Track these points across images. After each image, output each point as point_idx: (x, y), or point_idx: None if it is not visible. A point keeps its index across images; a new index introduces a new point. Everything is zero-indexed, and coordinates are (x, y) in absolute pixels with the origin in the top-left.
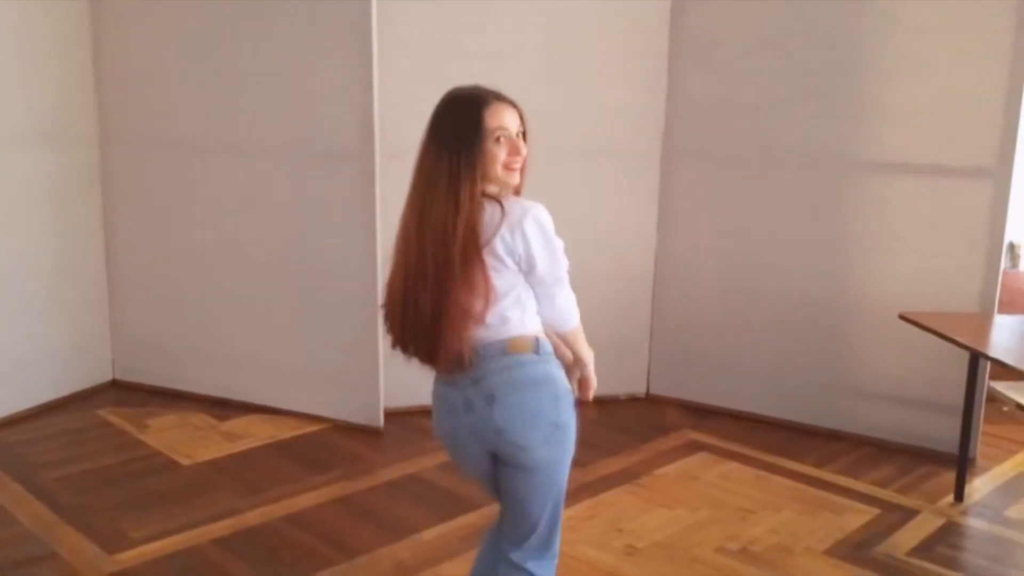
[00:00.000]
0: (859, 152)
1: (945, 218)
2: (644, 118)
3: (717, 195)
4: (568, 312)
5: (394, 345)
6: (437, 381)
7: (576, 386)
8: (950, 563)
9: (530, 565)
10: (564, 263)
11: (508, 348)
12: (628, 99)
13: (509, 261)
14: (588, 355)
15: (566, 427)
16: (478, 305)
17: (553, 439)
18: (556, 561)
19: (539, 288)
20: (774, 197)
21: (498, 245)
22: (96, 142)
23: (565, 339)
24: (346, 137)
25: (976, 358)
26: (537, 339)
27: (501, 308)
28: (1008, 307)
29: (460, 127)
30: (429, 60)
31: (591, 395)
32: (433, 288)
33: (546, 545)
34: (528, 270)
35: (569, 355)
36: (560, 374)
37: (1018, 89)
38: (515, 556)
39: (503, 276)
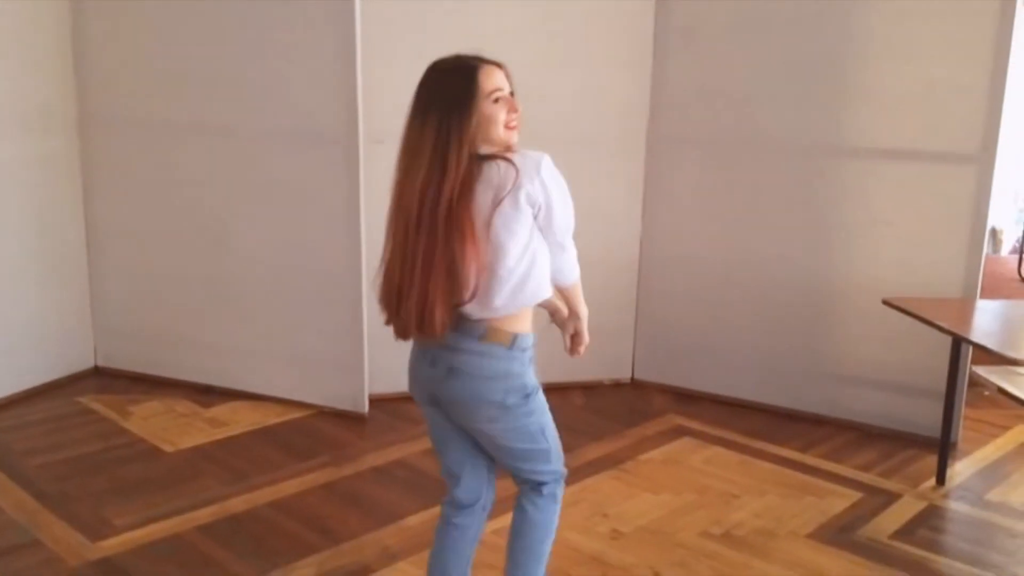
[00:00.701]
0: (842, 138)
1: (928, 204)
2: (629, 104)
3: (702, 181)
4: (574, 263)
5: (387, 322)
6: (414, 344)
7: (568, 340)
8: (932, 546)
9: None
10: (572, 211)
11: (486, 334)
12: (613, 85)
13: (528, 212)
14: (584, 311)
15: (514, 407)
16: (466, 274)
17: (499, 417)
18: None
19: (553, 237)
20: (758, 183)
21: (521, 197)
22: (76, 127)
23: (566, 293)
24: (330, 120)
25: (959, 343)
26: (516, 335)
27: (501, 280)
28: (990, 292)
29: (453, 92)
30: (412, 43)
31: (583, 350)
32: (421, 258)
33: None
34: (546, 221)
35: (564, 309)
36: (522, 370)
37: (1001, 75)
38: (528, 484)
39: (516, 236)
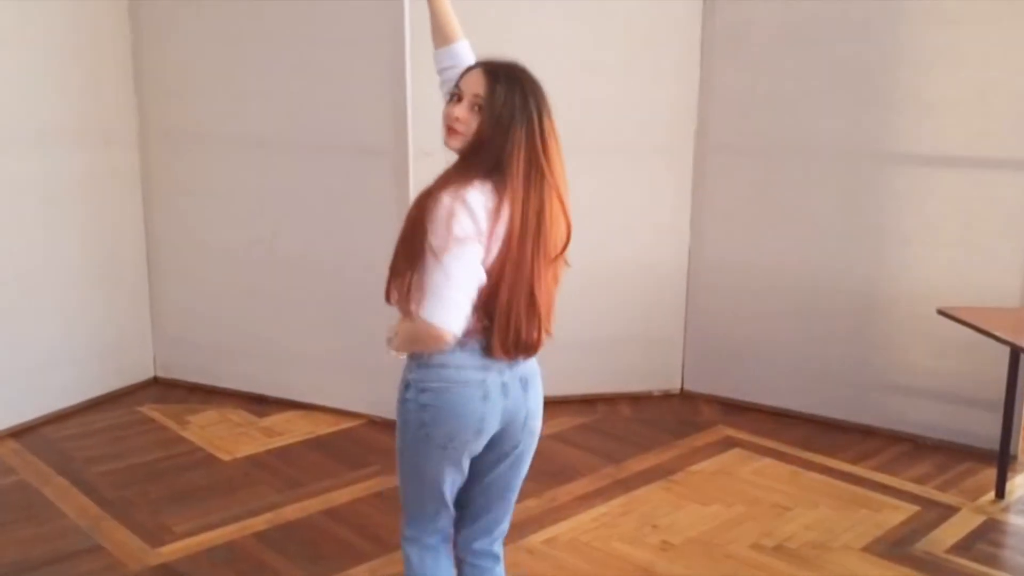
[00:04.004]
0: (895, 145)
1: (983, 211)
2: (676, 112)
3: (751, 189)
4: None
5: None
6: (466, 368)
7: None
8: (991, 560)
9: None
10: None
11: None
12: (660, 93)
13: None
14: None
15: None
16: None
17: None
18: None
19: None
20: (809, 191)
21: None
22: (136, 141)
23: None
24: (379, 133)
25: (1017, 353)
26: None
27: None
28: None
29: None
30: None
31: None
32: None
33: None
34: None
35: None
36: None
37: None
38: (496, 547)
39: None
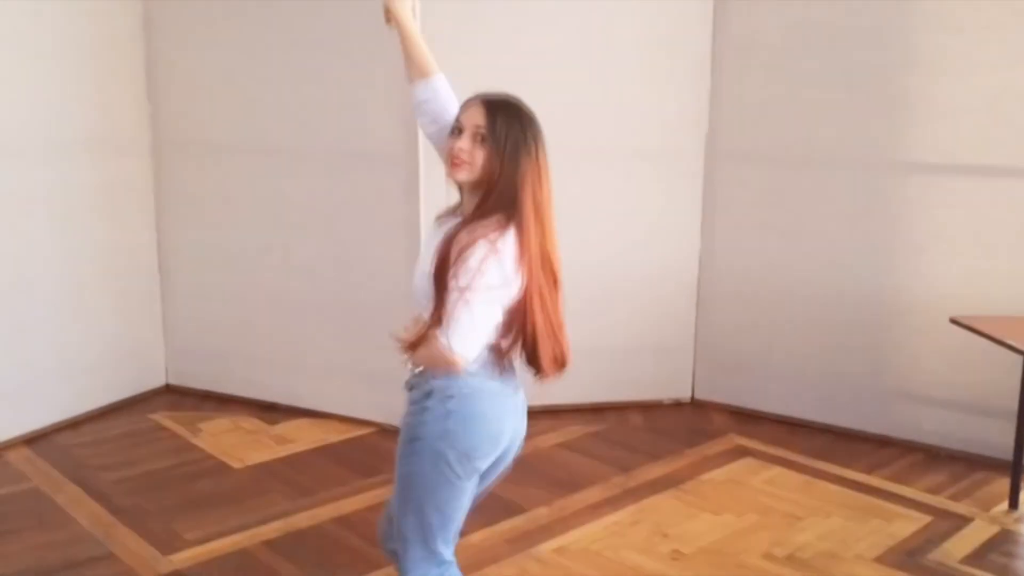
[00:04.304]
0: (906, 152)
1: (996, 218)
2: (687, 119)
3: (762, 197)
4: None
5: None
6: (491, 380)
7: None
8: (1004, 571)
9: None
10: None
11: None
12: (670, 100)
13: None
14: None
15: None
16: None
17: None
18: None
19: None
20: (820, 198)
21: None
22: (149, 150)
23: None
24: (390, 141)
25: None
26: None
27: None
28: None
29: None
30: (469, 61)
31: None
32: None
33: None
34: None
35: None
36: None
37: None
38: None
39: None
